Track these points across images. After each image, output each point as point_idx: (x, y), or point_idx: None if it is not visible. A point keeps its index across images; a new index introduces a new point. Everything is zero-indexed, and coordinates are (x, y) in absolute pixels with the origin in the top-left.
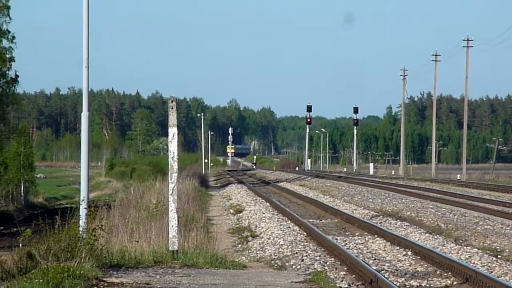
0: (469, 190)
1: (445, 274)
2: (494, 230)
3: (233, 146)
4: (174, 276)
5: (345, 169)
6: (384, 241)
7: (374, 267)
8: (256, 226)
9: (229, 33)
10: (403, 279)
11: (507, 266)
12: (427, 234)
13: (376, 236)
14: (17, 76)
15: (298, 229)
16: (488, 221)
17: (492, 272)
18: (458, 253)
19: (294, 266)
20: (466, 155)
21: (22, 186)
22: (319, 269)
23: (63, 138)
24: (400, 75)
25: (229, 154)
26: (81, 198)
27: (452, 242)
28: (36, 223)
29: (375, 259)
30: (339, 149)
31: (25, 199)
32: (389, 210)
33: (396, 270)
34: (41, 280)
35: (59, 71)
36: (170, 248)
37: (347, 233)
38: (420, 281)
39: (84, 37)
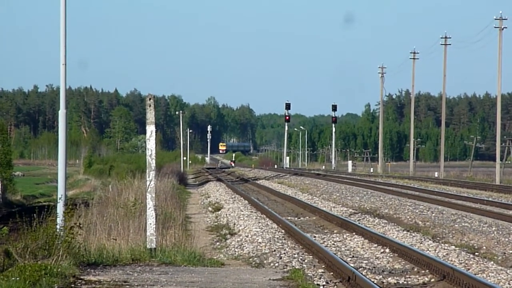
0: (447, 188)
1: (423, 272)
2: (472, 228)
3: (224, 144)
4: (152, 274)
5: (323, 167)
6: (362, 238)
7: (352, 265)
8: (234, 224)
9: (207, 31)
10: (380, 276)
11: (484, 263)
12: (405, 232)
13: (354, 233)
14: None
15: (276, 226)
16: (465, 219)
17: (469, 269)
18: (435, 250)
19: (272, 264)
20: (444, 152)
21: None
22: (297, 267)
23: (41, 136)
24: (379, 72)
25: (221, 152)
26: (59, 196)
27: (430, 239)
28: (14, 221)
29: (353, 256)
30: (318, 147)
31: (2, 197)
32: (367, 208)
33: (374, 267)
34: (18, 278)
35: (37, 68)
36: (148, 246)
37: (325, 231)
38: (397, 278)
39: (61, 34)
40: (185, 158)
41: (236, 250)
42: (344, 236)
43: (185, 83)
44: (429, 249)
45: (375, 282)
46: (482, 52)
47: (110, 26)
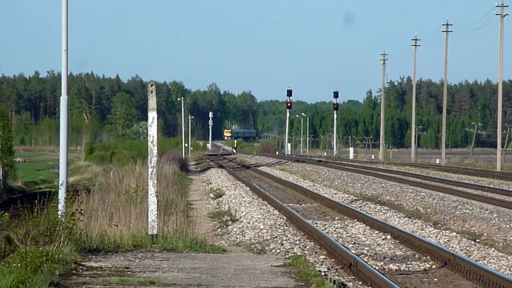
0: (448, 175)
1: (424, 258)
2: (473, 214)
3: (229, 130)
4: (153, 260)
5: (325, 154)
6: (364, 225)
7: (353, 251)
8: (236, 210)
9: (208, 17)
10: (382, 262)
11: (485, 249)
12: (406, 218)
13: (355, 220)
14: None
15: (278, 213)
16: (466, 205)
17: (470, 256)
18: (437, 237)
19: (273, 250)
20: (445, 139)
21: (0, 170)
22: (298, 253)
23: (42, 122)
24: (380, 59)
25: (226, 138)
26: (60, 182)
27: (431, 226)
28: (15, 207)
29: (354, 243)
30: (319, 134)
31: (3, 183)
32: (369, 195)
33: (375, 254)
34: (19, 264)
35: (38, 54)
36: (149, 232)
37: (326, 217)
38: (399, 264)
39: (63, 20)
40: (186, 144)
41: (238, 236)
42: (346, 223)
43: (187, 69)
44: (431, 236)
45: (376, 268)
46: (483, 39)
47: (111, 12)
